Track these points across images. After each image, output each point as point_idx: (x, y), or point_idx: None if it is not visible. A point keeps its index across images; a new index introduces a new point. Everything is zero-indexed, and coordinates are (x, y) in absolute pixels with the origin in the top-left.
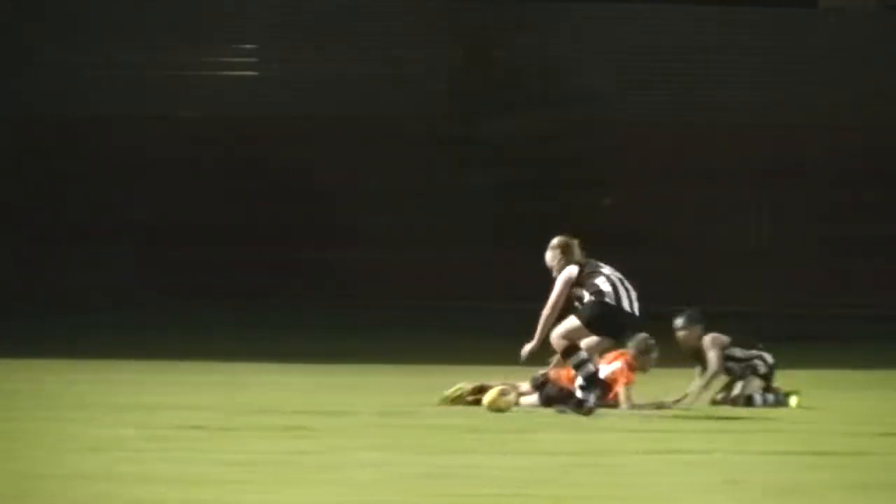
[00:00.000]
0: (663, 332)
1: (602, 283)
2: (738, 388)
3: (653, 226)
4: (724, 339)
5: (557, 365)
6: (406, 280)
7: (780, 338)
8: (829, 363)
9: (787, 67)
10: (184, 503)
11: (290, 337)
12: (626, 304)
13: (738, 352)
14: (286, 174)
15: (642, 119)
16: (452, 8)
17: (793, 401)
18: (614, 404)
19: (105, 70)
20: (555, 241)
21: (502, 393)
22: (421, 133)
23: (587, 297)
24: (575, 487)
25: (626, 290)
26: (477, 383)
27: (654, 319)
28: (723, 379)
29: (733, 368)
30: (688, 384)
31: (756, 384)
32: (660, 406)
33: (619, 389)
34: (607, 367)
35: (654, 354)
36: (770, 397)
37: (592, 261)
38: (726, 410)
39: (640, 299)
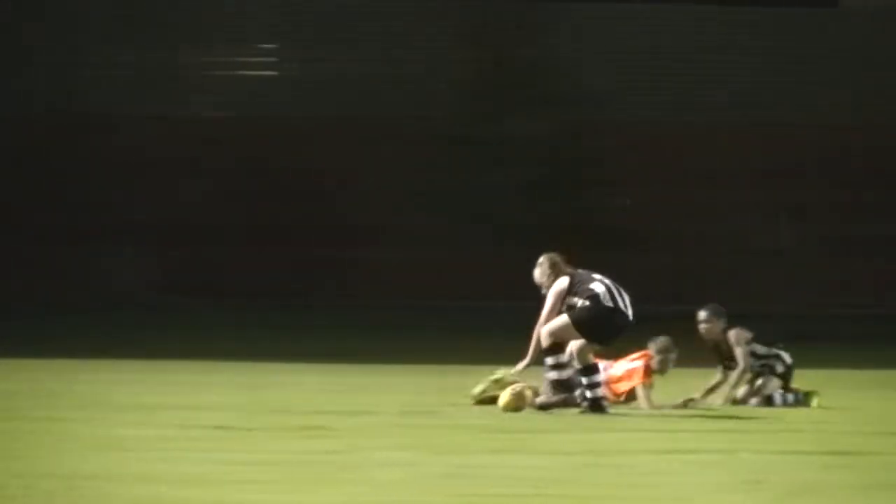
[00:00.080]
0: (674, 331)
1: (596, 286)
2: (756, 387)
3: (658, 225)
4: (748, 334)
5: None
6: (410, 280)
7: (790, 338)
8: (839, 363)
9: (790, 67)
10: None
11: (292, 337)
12: (621, 306)
13: (759, 348)
14: (288, 174)
15: (648, 119)
16: (458, 8)
17: (814, 401)
18: (618, 402)
19: (105, 70)
20: (543, 258)
21: (516, 393)
22: (425, 133)
23: (580, 302)
24: (594, 487)
25: (619, 292)
26: (501, 379)
27: (658, 320)
28: (745, 376)
29: (752, 365)
30: (706, 383)
31: (774, 384)
32: (687, 403)
33: (638, 389)
34: (628, 364)
35: (673, 355)
36: (790, 397)
37: (581, 271)
38: (745, 410)
39: (633, 304)
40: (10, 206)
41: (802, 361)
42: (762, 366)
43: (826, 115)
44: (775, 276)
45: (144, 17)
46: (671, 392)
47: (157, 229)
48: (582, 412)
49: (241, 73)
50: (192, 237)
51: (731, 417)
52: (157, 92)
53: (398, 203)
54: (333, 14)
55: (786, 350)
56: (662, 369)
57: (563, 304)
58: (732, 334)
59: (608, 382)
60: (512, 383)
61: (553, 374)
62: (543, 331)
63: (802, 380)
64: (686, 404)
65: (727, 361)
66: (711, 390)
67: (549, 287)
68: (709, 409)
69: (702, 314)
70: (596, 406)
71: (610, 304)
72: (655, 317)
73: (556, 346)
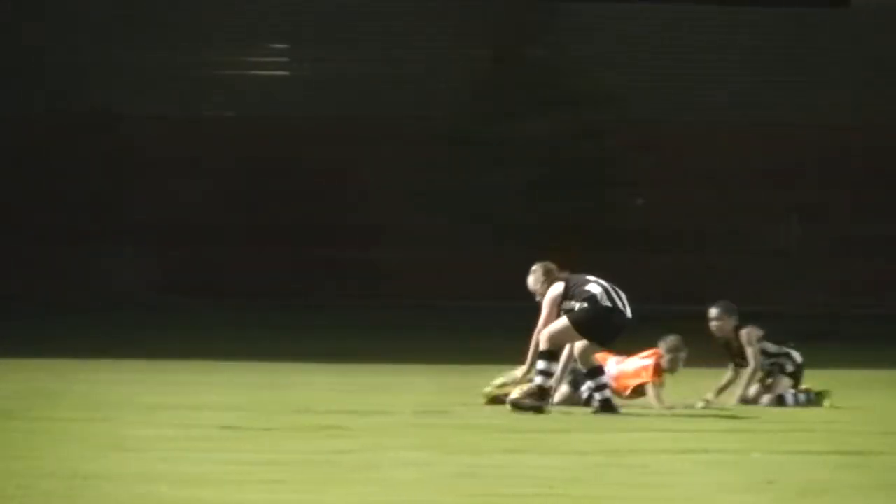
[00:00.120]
0: (683, 331)
1: (592, 288)
2: (767, 384)
3: (672, 225)
4: (759, 332)
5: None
6: (411, 280)
7: (801, 337)
8: (852, 364)
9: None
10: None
11: (292, 337)
12: (620, 305)
13: (770, 347)
14: (289, 174)
15: (652, 118)
16: (458, 8)
17: (826, 401)
18: (625, 398)
19: (105, 70)
20: (536, 265)
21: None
22: (426, 133)
23: (578, 305)
24: (606, 487)
25: (616, 292)
26: (515, 378)
27: (671, 319)
28: (756, 376)
29: (763, 364)
30: (718, 382)
31: (785, 383)
32: (707, 404)
33: (648, 388)
34: (639, 361)
35: (683, 354)
36: (802, 397)
37: (575, 275)
38: (756, 410)
39: (631, 302)
40: (10, 206)
41: (813, 361)
42: (772, 364)
43: (833, 115)
44: (789, 275)
45: (144, 17)
46: (682, 392)
47: (157, 229)
48: (594, 412)
49: (240, 72)
50: (193, 237)
51: (743, 418)
52: (156, 92)
53: (399, 203)
54: (335, 14)
55: (796, 349)
56: (672, 368)
57: (559, 309)
58: (744, 333)
59: (618, 378)
60: (522, 382)
61: (538, 380)
62: (543, 334)
63: (814, 380)
64: (707, 404)
65: (738, 359)
66: (723, 389)
67: (542, 294)
68: (721, 409)
69: (713, 311)
70: (606, 406)
71: (608, 303)
72: (666, 316)
73: (551, 353)
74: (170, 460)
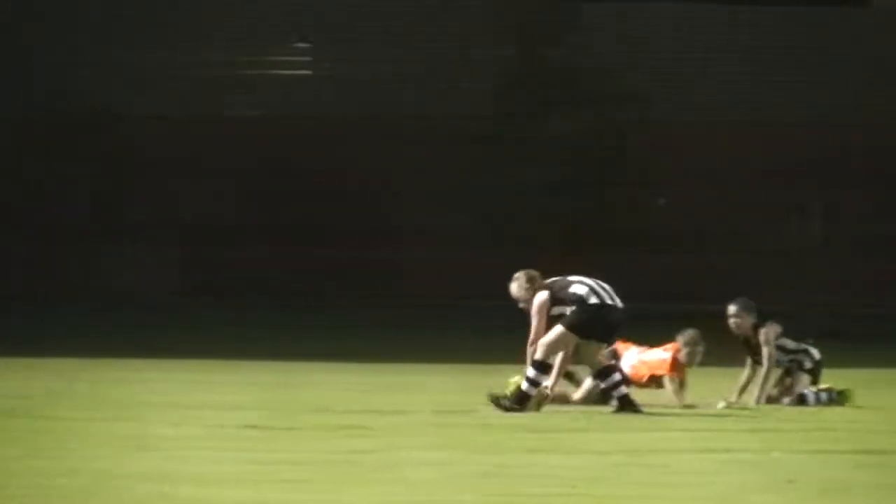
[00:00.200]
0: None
1: (577, 289)
2: (786, 384)
3: (689, 225)
4: (778, 328)
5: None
6: (443, 279)
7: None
8: (861, 363)
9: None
10: (243, 503)
11: (315, 336)
12: (608, 300)
13: (789, 343)
14: (297, 174)
15: (678, 119)
16: (496, 7)
17: (848, 400)
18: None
19: (105, 70)
20: (519, 273)
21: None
22: (452, 133)
23: (568, 310)
24: (630, 487)
25: (602, 287)
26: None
27: (687, 318)
28: (776, 372)
29: (781, 361)
30: (737, 382)
31: (805, 380)
32: (729, 405)
33: (667, 382)
34: (659, 354)
35: (701, 348)
36: (823, 396)
37: (557, 279)
38: (777, 409)
39: (618, 294)
40: (10, 206)
41: (833, 361)
42: (791, 361)
43: (834, 115)
44: (789, 275)
45: (144, 17)
46: (701, 392)
47: (157, 229)
48: (615, 412)
49: (240, 72)
50: (193, 237)
51: (763, 417)
52: (157, 92)
53: (421, 203)
54: (361, 12)
55: (814, 346)
56: (690, 362)
57: (548, 317)
58: (763, 332)
59: (637, 367)
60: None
61: (524, 385)
62: (540, 344)
63: (835, 379)
64: (728, 406)
65: (756, 357)
66: (743, 389)
67: (526, 301)
68: (742, 409)
69: (731, 309)
70: (625, 402)
71: (596, 301)
72: (676, 315)
73: (543, 363)
74: (190, 459)
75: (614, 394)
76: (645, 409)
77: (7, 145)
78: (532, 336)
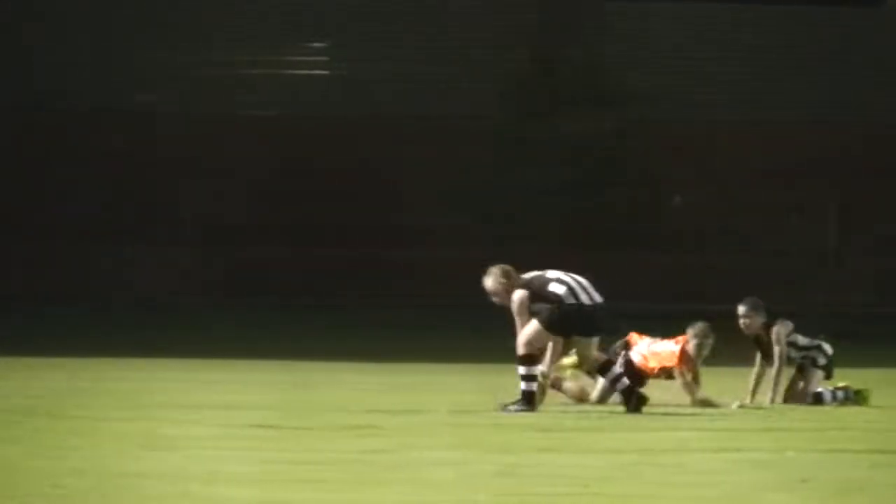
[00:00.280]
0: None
1: (556, 288)
2: (801, 384)
3: (689, 225)
4: (789, 325)
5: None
6: (457, 279)
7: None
8: (871, 363)
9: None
10: (258, 503)
11: (336, 336)
12: (584, 299)
13: (801, 339)
14: (298, 174)
15: (695, 118)
16: (511, 8)
17: (865, 400)
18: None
19: (105, 70)
20: (493, 267)
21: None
22: (468, 133)
23: (546, 307)
24: (644, 486)
25: (578, 282)
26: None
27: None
28: (789, 371)
29: (794, 358)
30: (749, 381)
31: (818, 376)
32: (741, 406)
33: (677, 376)
34: (670, 346)
35: (710, 341)
36: (840, 394)
37: (534, 275)
38: (791, 408)
39: (594, 288)
40: (10, 206)
41: (842, 361)
42: (804, 357)
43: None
44: (789, 275)
45: (144, 17)
46: (711, 392)
47: (157, 229)
48: (628, 411)
49: (241, 72)
50: (193, 237)
51: (777, 416)
52: (156, 91)
53: (435, 203)
54: (376, 12)
55: (826, 341)
56: (699, 353)
57: (528, 312)
58: (774, 331)
59: (648, 357)
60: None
61: (522, 385)
62: (519, 339)
63: (847, 379)
64: (743, 407)
65: (767, 355)
66: (756, 388)
67: (499, 295)
68: (757, 408)
69: (741, 309)
70: (629, 394)
71: (573, 301)
72: (682, 315)
73: (530, 357)
74: (206, 459)
75: (617, 386)
76: (658, 410)
77: (7, 145)
78: (518, 337)
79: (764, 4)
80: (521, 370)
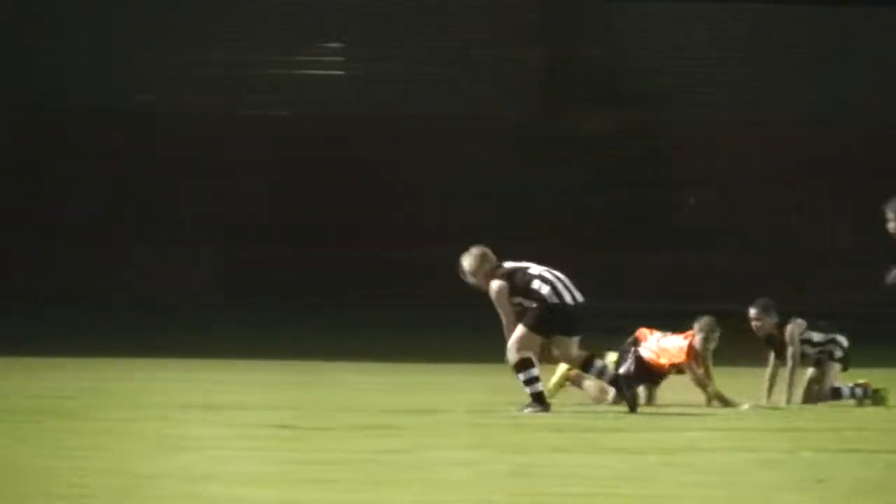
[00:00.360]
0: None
1: (539, 287)
2: (818, 389)
3: (690, 226)
4: (802, 324)
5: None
6: (447, 279)
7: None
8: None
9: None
10: (274, 503)
11: (353, 336)
12: (568, 298)
13: (815, 336)
14: (301, 175)
15: (695, 118)
16: (528, 7)
17: (884, 399)
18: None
19: (105, 70)
20: (473, 248)
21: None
22: (486, 132)
23: (529, 304)
24: (659, 486)
25: (561, 281)
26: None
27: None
28: (806, 370)
29: (810, 354)
30: (763, 382)
31: (835, 369)
32: (755, 408)
33: (688, 370)
34: (678, 341)
35: (716, 335)
36: (859, 391)
37: (518, 266)
38: (808, 408)
39: (575, 286)
40: (10, 206)
41: (863, 360)
42: (820, 352)
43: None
44: (788, 275)
45: (144, 17)
46: (728, 393)
47: (157, 229)
48: (625, 399)
49: (242, 72)
50: (192, 236)
51: (793, 416)
52: (157, 91)
53: (452, 202)
54: (377, 12)
55: (841, 333)
56: (705, 347)
57: (509, 303)
58: (787, 331)
59: (658, 353)
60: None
61: (527, 390)
62: (510, 347)
63: (869, 377)
64: (754, 407)
65: (780, 357)
66: (771, 388)
67: (475, 276)
68: (774, 408)
69: (752, 311)
70: (618, 383)
71: (556, 301)
72: (684, 315)
73: (523, 362)
74: (224, 459)
75: (604, 379)
76: (672, 410)
77: (7, 145)
78: (505, 328)
79: (764, 4)
80: (521, 377)
